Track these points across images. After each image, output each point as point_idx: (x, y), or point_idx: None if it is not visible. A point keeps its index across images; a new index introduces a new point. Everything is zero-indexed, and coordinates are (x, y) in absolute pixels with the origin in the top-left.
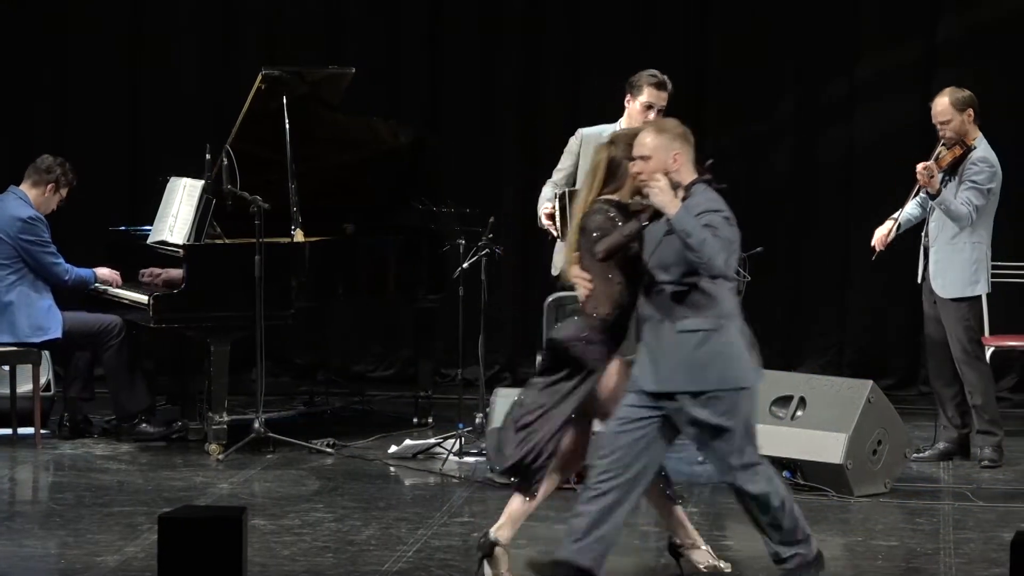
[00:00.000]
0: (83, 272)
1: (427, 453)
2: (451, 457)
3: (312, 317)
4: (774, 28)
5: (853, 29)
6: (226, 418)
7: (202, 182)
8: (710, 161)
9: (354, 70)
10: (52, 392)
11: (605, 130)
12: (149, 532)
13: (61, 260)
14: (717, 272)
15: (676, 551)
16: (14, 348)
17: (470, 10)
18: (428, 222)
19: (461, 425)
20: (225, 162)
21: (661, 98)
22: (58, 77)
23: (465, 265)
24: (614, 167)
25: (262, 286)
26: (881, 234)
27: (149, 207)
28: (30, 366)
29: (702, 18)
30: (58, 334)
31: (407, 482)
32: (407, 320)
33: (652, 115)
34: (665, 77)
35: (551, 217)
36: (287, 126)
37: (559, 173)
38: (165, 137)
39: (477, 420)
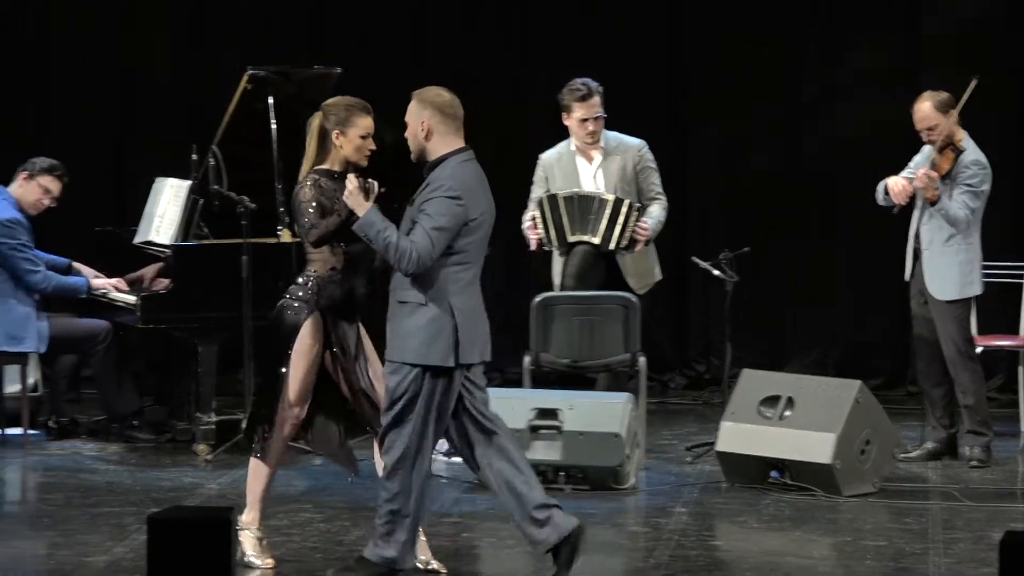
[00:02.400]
0: (71, 281)
1: None
2: (440, 457)
3: None
4: (763, 27)
5: (841, 26)
6: (214, 418)
7: (189, 182)
8: None
9: (340, 70)
10: (40, 393)
11: (563, 152)
12: (138, 532)
13: (39, 268)
14: (405, 272)
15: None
16: None
17: (452, 9)
18: None
19: None
20: (212, 162)
21: (592, 107)
22: (41, 77)
23: None
24: (323, 137)
25: (249, 286)
26: (901, 186)
27: (136, 207)
28: (18, 367)
29: (686, 15)
30: (33, 347)
31: None
32: None
33: (592, 126)
34: (590, 83)
35: (534, 227)
36: (273, 126)
37: (532, 203)
38: (148, 137)
39: None
